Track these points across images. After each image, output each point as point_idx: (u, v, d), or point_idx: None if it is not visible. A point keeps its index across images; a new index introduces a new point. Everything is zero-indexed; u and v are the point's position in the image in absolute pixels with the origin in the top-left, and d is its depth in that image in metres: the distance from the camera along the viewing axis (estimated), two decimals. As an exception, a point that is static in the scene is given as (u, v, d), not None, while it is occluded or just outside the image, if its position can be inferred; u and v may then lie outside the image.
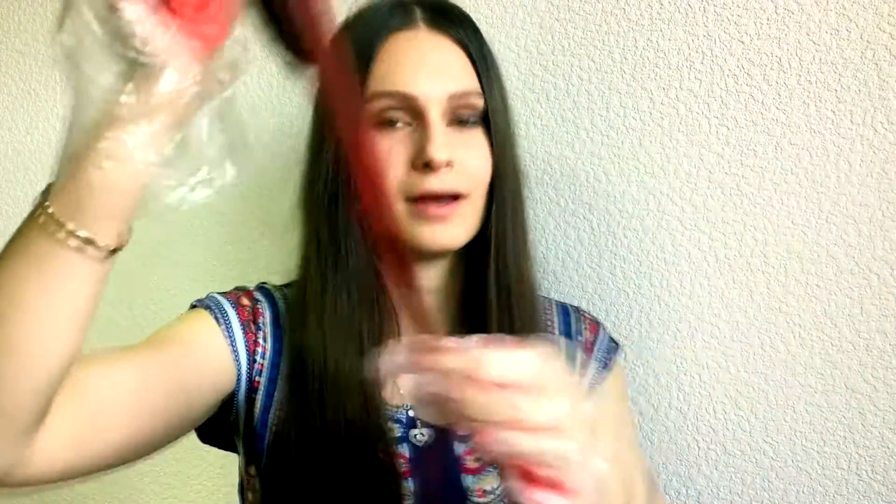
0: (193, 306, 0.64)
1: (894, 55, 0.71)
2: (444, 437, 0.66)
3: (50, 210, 0.39)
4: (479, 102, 0.63)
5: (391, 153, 0.60)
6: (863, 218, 0.74)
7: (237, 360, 0.61)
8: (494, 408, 0.38)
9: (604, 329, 0.75)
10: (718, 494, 0.82)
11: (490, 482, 0.65)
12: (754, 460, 0.81)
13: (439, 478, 0.64)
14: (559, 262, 0.87)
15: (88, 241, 0.40)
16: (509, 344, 0.40)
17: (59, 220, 0.39)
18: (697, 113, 0.79)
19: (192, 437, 0.64)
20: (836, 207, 0.75)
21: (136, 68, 0.37)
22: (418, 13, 0.63)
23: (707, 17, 0.77)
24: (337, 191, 0.61)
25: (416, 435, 0.65)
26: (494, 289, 0.65)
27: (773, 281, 0.78)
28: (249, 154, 0.41)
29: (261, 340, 0.63)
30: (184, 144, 0.39)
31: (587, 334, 0.73)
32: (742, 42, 0.76)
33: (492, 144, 0.64)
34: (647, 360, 0.84)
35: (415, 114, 0.61)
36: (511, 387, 0.38)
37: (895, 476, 0.75)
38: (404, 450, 0.64)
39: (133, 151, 0.38)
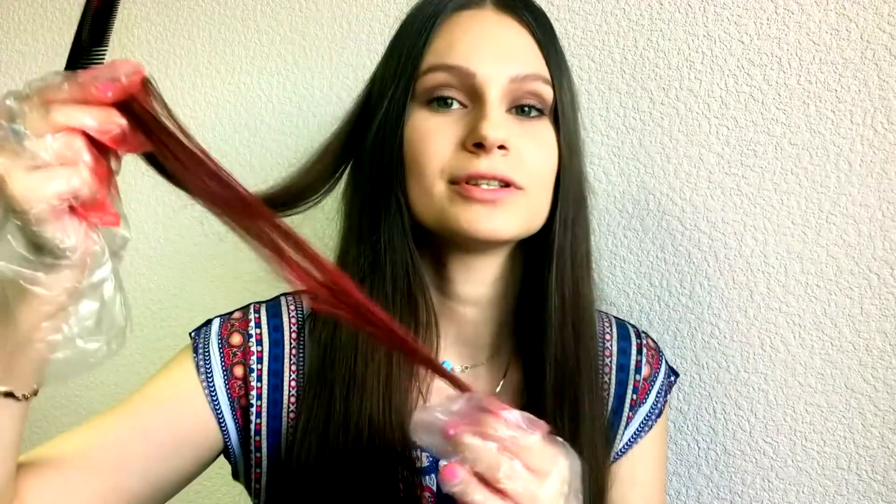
0: (192, 336, 0.62)
1: (894, 55, 0.71)
2: None
3: None
4: (545, 91, 0.57)
5: (438, 132, 0.55)
6: (863, 218, 0.74)
7: (219, 414, 0.59)
8: (488, 456, 0.41)
9: (664, 360, 0.70)
10: (718, 494, 0.82)
11: None
12: (754, 460, 0.81)
13: None
14: (559, 262, 0.87)
15: (8, 395, 0.43)
16: (543, 430, 0.43)
17: None
18: (697, 113, 0.79)
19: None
20: (836, 207, 0.75)
21: (55, 266, 0.39)
22: None
23: (707, 17, 0.77)
24: (380, 190, 0.57)
25: None
26: (555, 299, 0.59)
27: (773, 281, 0.78)
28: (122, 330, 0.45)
29: (252, 381, 0.59)
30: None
31: (646, 369, 0.67)
32: (742, 42, 0.76)
33: (559, 141, 0.58)
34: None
35: (472, 94, 0.55)
36: (515, 453, 0.41)
37: (895, 476, 0.75)
38: (432, 482, 0.60)
39: (60, 332, 0.42)
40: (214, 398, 0.59)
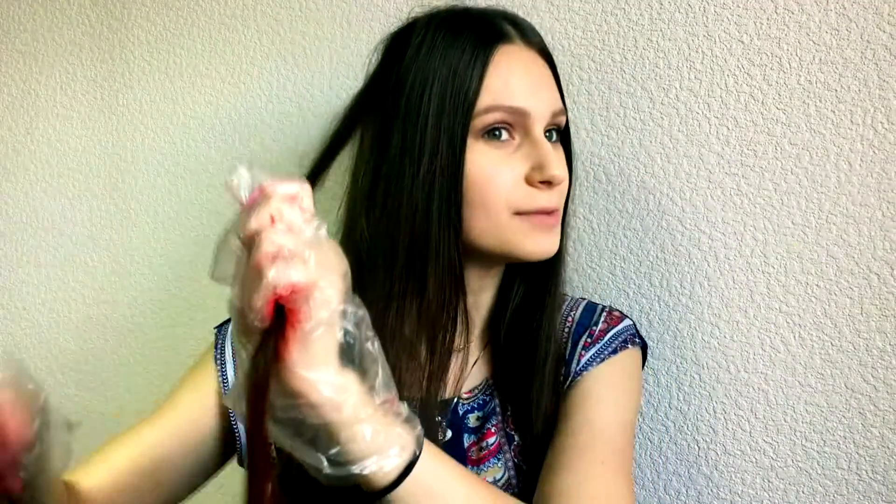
0: (215, 331, 0.69)
1: (894, 55, 0.71)
2: (458, 434, 0.67)
3: None
4: (564, 119, 0.66)
5: (501, 166, 0.60)
6: (863, 218, 0.74)
7: (232, 414, 0.64)
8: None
9: (630, 324, 0.73)
10: (718, 494, 0.82)
11: (493, 473, 0.67)
12: (754, 460, 0.81)
13: None
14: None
15: None
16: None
17: None
18: (697, 113, 0.79)
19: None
20: (836, 207, 0.75)
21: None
22: (509, 27, 0.63)
23: (707, 17, 0.77)
24: (434, 219, 0.59)
25: (442, 433, 0.66)
26: (552, 293, 0.68)
27: (773, 281, 0.78)
28: None
29: None
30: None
31: (602, 325, 0.72)
32: (742, 42, 0.76)
33: (569, 159, 0.68)
34: (647, 360, 0.84)
35: (522, 129, 0.62)
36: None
37: (895, 476, 0.75)
38: None
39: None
40: (226, 385, 0.65)
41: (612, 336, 0.71)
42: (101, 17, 1.07)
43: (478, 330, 0.70)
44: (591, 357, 0.69)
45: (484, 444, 0.67)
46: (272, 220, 0.39)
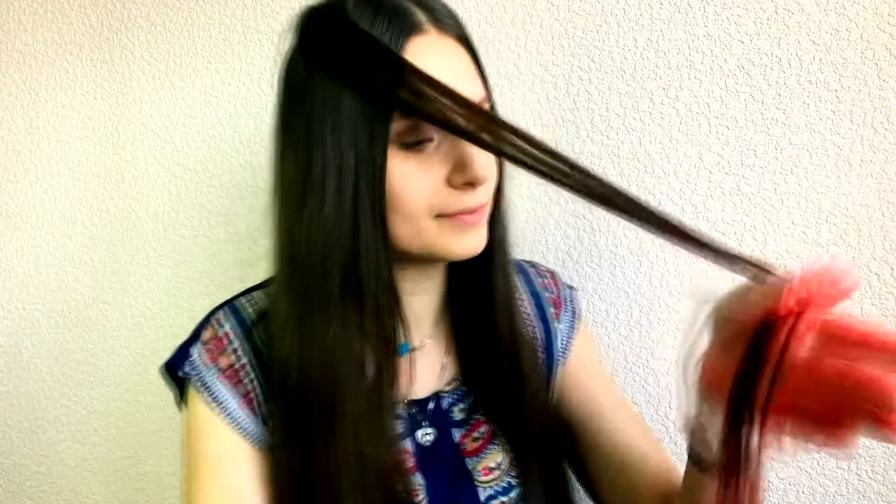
0: (177, 376, 0.63)
1: (894, 55, 0.71)
2: (442, 429, 0.67)
3: None
4: (487, 107, 0.59)
5: (422, 172, 0.55)
6: (863, 218, 0.74)
7: (242, 428, 0.61)
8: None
9: (559, 276, 0.77)
10: (718, 494, 0.82)
11: (493, 458, 0.67)
12: (754, 460, 0.81)
13: (447, 469, 0.66)
14: (559, 262, 0.87)
15: None
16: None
17: None
18: (697, 113, 0.79)
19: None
20: (836, 207, 0.75)
21: None
22: (420, 14, 0.55)
23: (707, 17, 0.77)
24: (358, 225, 0.55)
25: (422, 436, 0.66)
26: (499, 278, 0.65)
27: (773, 281, 0.78)
28: None
29: (257, 391, 0.62)
30: None
31: (553, 289, 0.75)
32: (742, 42, 0.76)
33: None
34: (647, 360, 0.84)
35: (439, 130, 0.55)
36: None
37: (895, 476, 0.75)
38: (410, 445, 0.65)
39: None
40: (235, 420, 0.61)
41: (566, 296, 0.75)
42: (101, 17, 1.07)
43: (429, 327, 0.68)
44: (566, 330, 0.73)
45: (477, 433, 0.67)
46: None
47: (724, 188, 0.79)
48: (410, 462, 0.64)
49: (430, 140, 0.55)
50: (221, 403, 0.61)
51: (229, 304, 0.66)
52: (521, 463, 0.68)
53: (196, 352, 0.63)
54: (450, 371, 0.69)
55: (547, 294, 0.74)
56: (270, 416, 0.61)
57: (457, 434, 0.67)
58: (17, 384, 1.23)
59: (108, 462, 1.19)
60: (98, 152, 1.10)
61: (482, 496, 0.66)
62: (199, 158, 1.04)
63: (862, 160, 0.73)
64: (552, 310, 0.74)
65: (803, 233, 0.76)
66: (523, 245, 0.88)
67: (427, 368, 0.67)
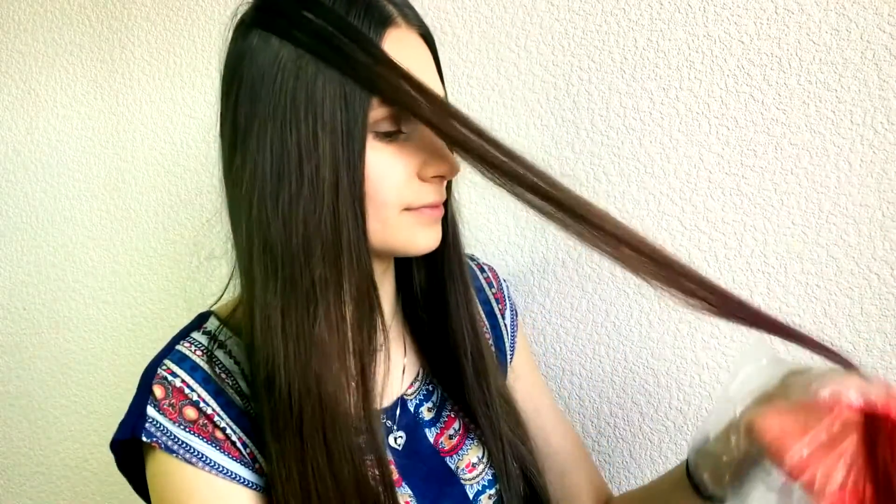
0: (133, 445, 0.57)
1: (894, 55, 0.71)
2: (414, 431, 0.65)
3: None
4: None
5: (394, 164, 0.55)
6: (863, 218, 0.74)
7: (233, 477, 0.57)
8: None
9: (496, 270, 0.78)
10: (718, 494, 0.82)
11: (473, 454, 0.66)
12: (754, 460, 0.81)
13: (431, 475, 0.64)
14: (559, 262, 0.87)
15: None
16: None
17: None
18: (697, 113, 0.79)
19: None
20: (836, 207, 0.75)
21: None
22: (392, 8, 0.55)
23: (707, 17, 0.77)
24: (338, 218, 0.54)
25: (395, 439, 0.64)
26: (456, 274, 0.66)
27: (773, 281, 0.78)
28: None
29: (237, 433, 0.57)
30: None
31: (494, 284, 0.76)
32: (742, 42, 0.76)
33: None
34: (647, 360, 0.84)
35: (411, 120, 0.55)
36: None
37: (895, 476, 0.75)
38: (390, 455, 0.62)
39: None
40: (221, 469, 0.56)
41: (505, 290, 0.76)
42: (101, 17, 1.08)
43: (387, 322, 0.66)
44: (510, 326, 0.75)
45: (451, 431, 0.66)
46: None
47: (724, 188, 0.79)
48: (395, 474, 0.61)
49: (402, 132, 0.56)
50: (201, 456, 0.56)
51: (170, 355, 0.59)
52: (495, 455, 0.67)
53: (153, 412, 0.56)
54: (410, 372, 0.67)
55: (491, 290, 0.75)
56: (259, 449, 0.57)
57: (431, 434, 0.65)
58: (17, 384, 1.23)
59: (108, 462, 1.19)
60: (98, 152, 1.10)
61: (470, 493, 0.65)
62: (199, 158, 1.04)
63: (862, 160, 0.73)
64: (497, 305, 0.75)
65: (803, 233, 0.76)
66: (522, 245, 0.89)
67: (389, 372, 0.63)
